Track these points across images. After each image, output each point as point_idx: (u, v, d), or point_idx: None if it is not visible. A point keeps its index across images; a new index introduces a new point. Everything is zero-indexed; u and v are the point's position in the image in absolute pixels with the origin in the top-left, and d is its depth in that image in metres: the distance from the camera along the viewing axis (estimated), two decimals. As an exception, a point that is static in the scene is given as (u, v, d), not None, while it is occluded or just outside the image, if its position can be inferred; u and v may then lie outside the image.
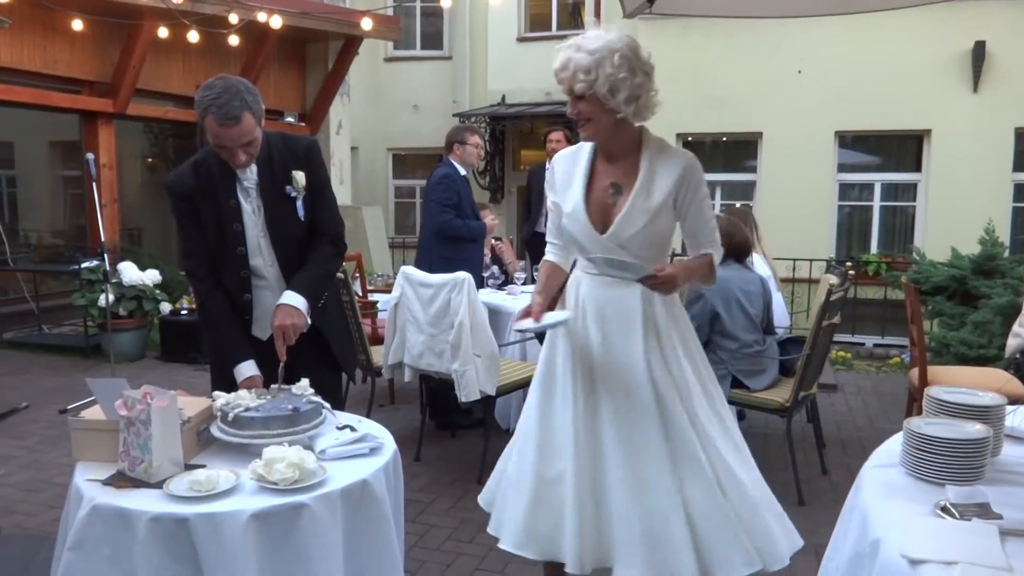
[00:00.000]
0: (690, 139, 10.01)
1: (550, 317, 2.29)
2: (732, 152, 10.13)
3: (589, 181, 2.34)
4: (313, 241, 2.59)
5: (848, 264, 7.91)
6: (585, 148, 2.38)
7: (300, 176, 2.51)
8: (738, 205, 9.27)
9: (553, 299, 2.47)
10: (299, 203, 2.53)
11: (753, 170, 9.80)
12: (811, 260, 8.02)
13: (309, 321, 2.50)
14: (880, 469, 1.82)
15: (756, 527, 2.25)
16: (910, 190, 9.39)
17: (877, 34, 8.42)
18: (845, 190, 9.60)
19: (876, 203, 9.48)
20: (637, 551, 2.21)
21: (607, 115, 2.21)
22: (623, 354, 2.29)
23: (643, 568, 2.20)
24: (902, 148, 9.46)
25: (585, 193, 2.32)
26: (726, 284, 3.83)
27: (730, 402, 3.87)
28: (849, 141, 9.52)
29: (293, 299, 2.46)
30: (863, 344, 7.89)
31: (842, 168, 9.49)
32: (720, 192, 10.01)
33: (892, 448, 1.90)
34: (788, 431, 3.78)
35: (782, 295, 5.01)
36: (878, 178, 9.51)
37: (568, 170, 2.39)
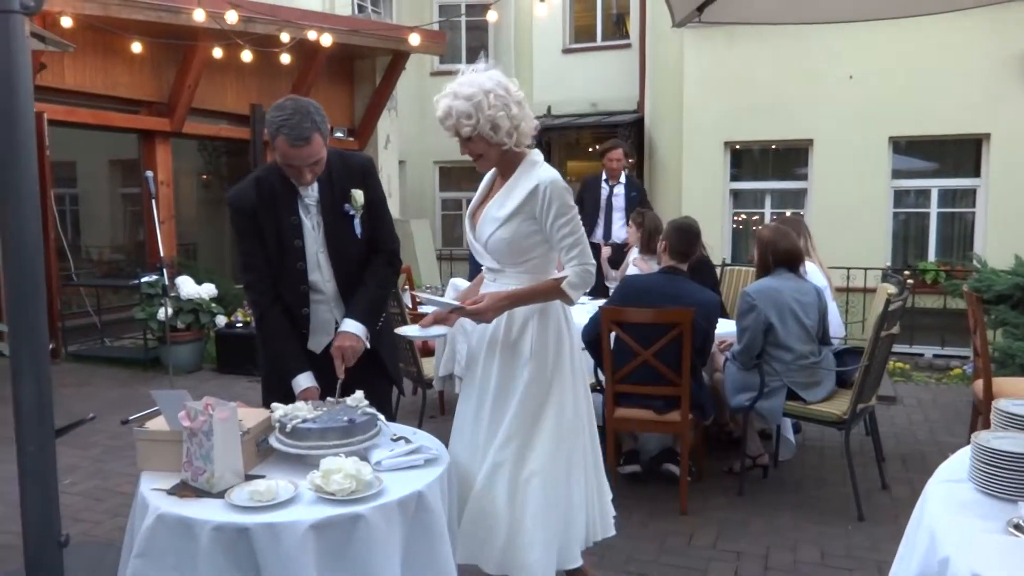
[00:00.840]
0: (738, 147, 9.89)
1: (433, 330, 2.47)
2: (782, 160, 9.96)
3: (486, 196, 2.58)
4: (370, 258, 2.64)
5: (906, 273, 7.72)
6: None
7: (359, 195, 2.56)
8: (788, 214, 9.15)
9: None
10: (357, 221, 2.58)
11: (804, 177, 9.62)
12: (866, 269, 7.83)
13: (368, 345, 2.56)
14: (947, 484, 1.77)
15: (549, 529, 2.40)
16: (968, 196, 9.10)
17: (931, 36, 8.21)
18: (900, 197, 9.35)
19: (933, 209, 9.21)
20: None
21: (494, 148, 2.42)
22: (478, 354, 2.55)
23: None
24: (960, 153, 9.18)
25: (477, 206, 2.58)
26: (779, 294, 3.77)
27: (785, 414, 3.81)
28: (904, 147, 9.28)
29: (353, 327, 2.54)
30: (921, 355, 7.66)
31: (897, 174, 9.25)
32: (770, 200, 9.85)
33: (958, 462, 1.85)
34: (846, 444, 3.70)
35: (836, 305, 4.90)
36: (935, 184, 9.24)
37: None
